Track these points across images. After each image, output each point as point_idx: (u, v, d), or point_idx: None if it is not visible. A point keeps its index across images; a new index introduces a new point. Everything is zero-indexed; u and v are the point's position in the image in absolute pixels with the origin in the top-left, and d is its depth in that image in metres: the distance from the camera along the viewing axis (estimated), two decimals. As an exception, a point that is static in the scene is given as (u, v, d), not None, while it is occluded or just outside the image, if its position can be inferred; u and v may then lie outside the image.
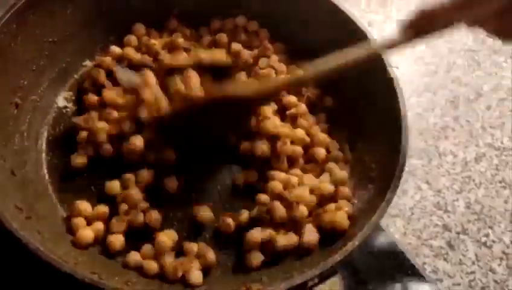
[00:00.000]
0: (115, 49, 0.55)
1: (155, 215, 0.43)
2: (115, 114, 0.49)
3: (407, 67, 0.70)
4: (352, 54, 0.43)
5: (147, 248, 0.42)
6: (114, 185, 0.45)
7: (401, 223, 0.58)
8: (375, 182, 0.46)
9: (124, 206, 0.44)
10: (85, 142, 0.48)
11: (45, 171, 0.47)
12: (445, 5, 0.38)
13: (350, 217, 0.44)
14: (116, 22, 0.55)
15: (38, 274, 0.40)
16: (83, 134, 0.48)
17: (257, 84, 0.49)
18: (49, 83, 0.51)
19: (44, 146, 0.49)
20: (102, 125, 0.48)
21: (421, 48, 0.73)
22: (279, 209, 0.43)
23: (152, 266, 0.41)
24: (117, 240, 0.42)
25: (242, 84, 0.50)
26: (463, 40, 0.74)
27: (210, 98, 0.45)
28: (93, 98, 0.51)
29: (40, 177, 0.47)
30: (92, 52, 0.55)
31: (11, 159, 0.44)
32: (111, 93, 0.51)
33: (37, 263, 0.35)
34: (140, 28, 0.56)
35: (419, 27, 0.40)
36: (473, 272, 0.56)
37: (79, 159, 0.47)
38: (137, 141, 0.46)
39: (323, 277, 0.38)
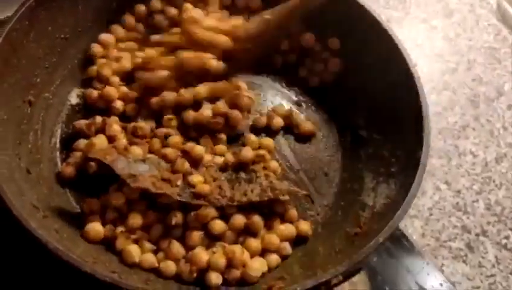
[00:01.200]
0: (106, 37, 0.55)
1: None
2: (122, 142, 0.47)
3: (426, 65, 0.70)
4: None
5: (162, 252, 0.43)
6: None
7: (419, 224, 0.58)
8: (397, 177, 0.46)
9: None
10: (79, 152, 0.47)
11: (60, 168, 0.48)
12: None
13: (373, 213, 0.45)
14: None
15: (52, 273, 0.41)
16: (81, 143, 0.48)
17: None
18: (62, 80, 0.52)
19: (58, 144, 0.50)
20: (99, 140, 0.47)
21: (440, 45, 0.73)
22: None
23: (169, 267, 0.42)
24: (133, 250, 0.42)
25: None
26: (483, 37, 0.74)
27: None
28: (93, 93, 0.51)
29: (55, 175, 0.47)
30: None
31: (26, 158, 0.45)
32: (111, 91, 0.51)
33: (53, 262, 0.36)
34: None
35: None
36: (493, 275, 0.56)
37: (68, 169, 0.46)
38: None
39: (347, 275, 0.38)
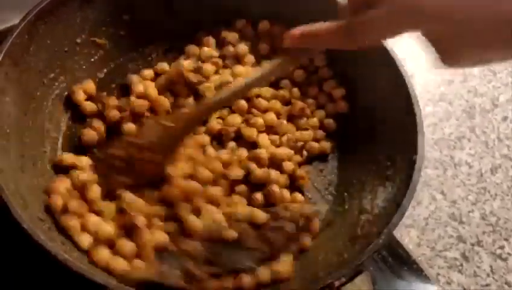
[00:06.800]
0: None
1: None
2: None
3: (423, 76, 0.73)
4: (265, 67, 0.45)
5: None
6: None
7: (415, 234, 0.60)
8: (393, 179, 0.48)
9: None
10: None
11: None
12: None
13: (372, 216, 0.48)
14: (125, 32, 0.59)
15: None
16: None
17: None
18: (61, 92, 0.54)
19: (58, 156, 0.52)
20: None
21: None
22: None
23: None
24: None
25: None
26: (479, 49, 0.78)
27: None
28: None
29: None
30: (101, 62, 0.58)
31: (29, 170, 0.48)
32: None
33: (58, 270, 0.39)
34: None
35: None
36: (488, 285, 0.58)
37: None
38: None
39: (350, 277, 0.41)
